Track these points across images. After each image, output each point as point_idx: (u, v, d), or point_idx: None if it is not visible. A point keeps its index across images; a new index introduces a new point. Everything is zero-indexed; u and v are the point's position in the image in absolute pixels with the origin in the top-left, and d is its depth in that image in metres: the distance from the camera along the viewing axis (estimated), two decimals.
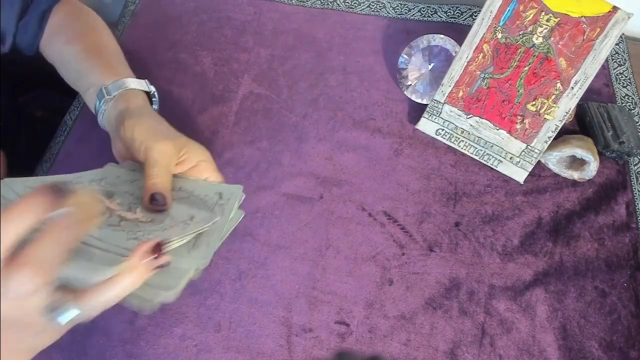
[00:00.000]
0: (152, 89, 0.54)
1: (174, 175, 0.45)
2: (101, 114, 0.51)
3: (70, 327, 0.30)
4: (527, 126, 0.60)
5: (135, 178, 0.45)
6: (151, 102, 0.55)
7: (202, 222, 0.39)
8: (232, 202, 0.42)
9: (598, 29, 0.56)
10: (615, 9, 0.55)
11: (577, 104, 0.58)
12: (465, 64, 0.62)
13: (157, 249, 0.32)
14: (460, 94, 0.63)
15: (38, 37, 0.59)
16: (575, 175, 0.60)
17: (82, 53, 0.56)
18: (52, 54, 0.59)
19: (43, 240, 0.26)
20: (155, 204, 0.41)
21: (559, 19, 0.57)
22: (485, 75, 0.61)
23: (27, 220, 0.26)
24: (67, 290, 0.29)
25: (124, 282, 0.30)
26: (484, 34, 0.60)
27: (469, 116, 0.63)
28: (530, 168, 0.61)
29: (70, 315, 0.29)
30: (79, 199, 0.27)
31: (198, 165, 0.46)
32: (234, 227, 0.44)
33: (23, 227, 0.26)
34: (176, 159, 0.45)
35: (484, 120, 0.62)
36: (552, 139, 0.59)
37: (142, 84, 0.53)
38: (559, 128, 0.59)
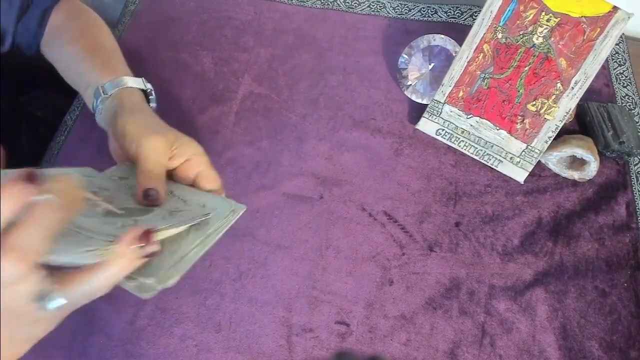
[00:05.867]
0: (149, 86, 0.54)
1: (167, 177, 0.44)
2: (99, 113, 0.51)
3: (65, 316, 0.30)
4: (527, 126, 0.60)
5: (126, 176, 0.44)
6: (148, 101, 0.55)
7: (191, 214, 0.38)
8: (215, 221, 0.39)
9: (598, 29, 0.56)
10: (615, 9, 0.55)
11: (577, 104, 0.58)
12: (466, 64, 0.62)
13: (146, 236, 0.30)
14: (461, 94, 0.63)
15: (38, 37, 0.59)
16: (575, 175, 0.60)
17: (81, 53, 0.56)
18: (53, 54, 0.59)
19: (26, 225, 0.26)
20: (149, 200, 0.39)
21: (559, 19, 0.57)
22: (486, 75, 0.61)
23: (5, 208, 0.25)
24: (55, 278, 0.28)
25: (110, 269, 0.29)
26: (484, 34, 0.60)
27: (469, 116, 0.63)
28: (530, 168, 0.61)
29: (57, 304, 0.28)
30: (58, 184, 0.27)
31: (190, 160, 0.45)
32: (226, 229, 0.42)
33: (2, 215, 0.25)
34: (169, 154, 0.44)
35: (484, 120, 0.62)
36: (552, 139, 0.59)
37: (138, 82, 0.53)
38: (559, 128, 0.59)
